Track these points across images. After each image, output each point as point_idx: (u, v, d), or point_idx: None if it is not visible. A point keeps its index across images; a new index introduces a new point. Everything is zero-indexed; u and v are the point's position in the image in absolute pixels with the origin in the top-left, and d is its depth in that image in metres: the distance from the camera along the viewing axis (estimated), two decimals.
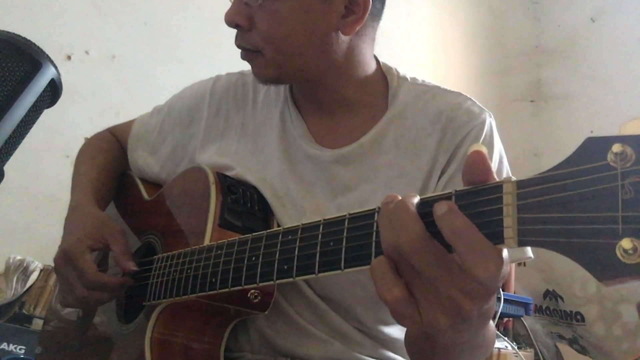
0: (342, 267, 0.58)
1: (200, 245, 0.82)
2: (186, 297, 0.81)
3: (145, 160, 1.15)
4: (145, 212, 1.08)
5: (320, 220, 0.62)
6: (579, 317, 3.41)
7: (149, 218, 1.05)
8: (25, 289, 1.86)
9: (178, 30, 2.44)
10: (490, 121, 0.93)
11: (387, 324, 0.95)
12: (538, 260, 3.45)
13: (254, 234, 0.72)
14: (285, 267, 0.65)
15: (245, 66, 0.98)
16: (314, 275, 0.61)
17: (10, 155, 0.64)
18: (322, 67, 0.92)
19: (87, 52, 2.24)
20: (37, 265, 1.91)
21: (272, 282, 0.67)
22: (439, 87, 0.98)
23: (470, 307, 0.49)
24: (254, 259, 0.70)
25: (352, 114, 0.97)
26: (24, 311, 1.84)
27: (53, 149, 2.10)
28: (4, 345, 1.70)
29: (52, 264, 0.96)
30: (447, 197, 0.50)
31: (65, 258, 0.92)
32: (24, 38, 0.64)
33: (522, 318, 2.79)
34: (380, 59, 1.01)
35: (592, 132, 0.42)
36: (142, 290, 0.91)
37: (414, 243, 0.48)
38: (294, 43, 0.88)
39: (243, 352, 0.94)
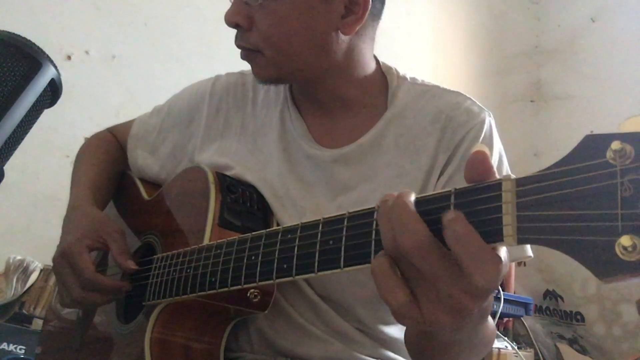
0: (342, 266, 0.58)
1: (200, 245, 0.82)
2: (186, 297, 0.81)
3: (145, 160, 1.15)
4: (144, 212, 1.08)
5: (319, 219, 0.62)
6: (579, 317, 3.41)
7: (149, 218, 1.05)
8: (25, 289, 1.86)
9: (178, 30, 2.44)
10: (489, 120, 0.93)
11: (387, 323, 0.95)
12: (538, 260, 3.45)
13: (253, 233, 0.72)
14: (285, 265, 0.65)
15: (245, 66, 0.98)
16: (313, 274, 0.61)
17: (10, 155, 0.64)
18: (322, 67, 0.92)
19: (87, 52, 2.24)
20: (37, 265, 1.92)
21: (271, 281, 0.67)
22: (438, 87, 0.98)
23: (471, 305, 0.49)
24: (253, 258, 0.70)
25: (352, 113, 0.97)
26: (24, 311, 1.84)
27: (53, 149, 2.11)
28: (4, 345, 1.70)
29: (52, 264, 0.96)
30: (446, 195, 0.50)
31: (63, 258, 0.92)
32: (24, 38, 0.64)
33: (522, 318, 2.80)
34: (380, 59, 1.01)
35: (592, 132, 0.42)
36: (142, 290, 0.91)
37: (416, 244, 0.48)
38: (293, 43, 0.88)
39: (243, 351, 0.94)
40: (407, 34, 3.30)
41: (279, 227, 0.68)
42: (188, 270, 0.81)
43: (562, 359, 3.22)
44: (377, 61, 1.00)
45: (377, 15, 0.93)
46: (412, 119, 0.94)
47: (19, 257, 1.91)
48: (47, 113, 0.69)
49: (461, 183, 0.50)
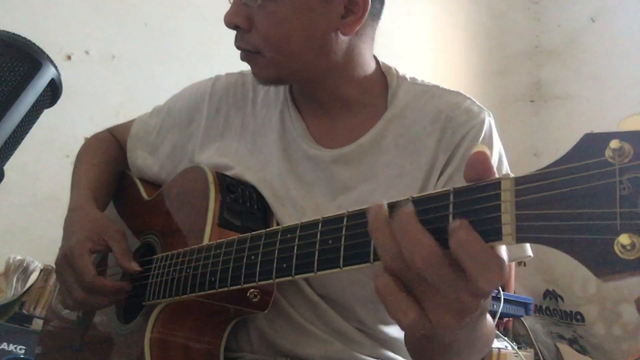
0: (341, 265, 0.58)
1: (200, 245, 0.82)
2: (185, 297, 0.81)
3: (145, 160, 1.15)
4: (144, 212, 1.08)
5: (319, 219, 0.62)
6: (579, 317, 3.41)
7: (148, 218, 1.05)
8: (25, 289, 1.86)
9: (178, 30, 2.44)
10: (489, 120, 0.93)
11: (387, 323, 0.95)
12: (538, 260, 3.45)
13: (253, 232, 0.72)
14: (285, 265, 0.65)
15: (245, 66, 0.98)
16: (313, 274, 0.61)
17: (10, 155, 0.64)
18: (322, 68, 0.92)
19: (87, 52, 2.24)
20: (37, 265, 1.92)
21: (271, 281, 0.67)
22: (438, 87, 0.98)
23: (475, 304, 0.50)
24: (253, 257, 0.70)
25: (352, 113, 0.97)
26: (24, 311, 1.84)
27: (53, 149, 2.11)
28: (4, 345, 1.70)
29: (52, 264, 0.96)
30: (445, 194, 0.50)
31: (65, 260, 0.92)
32: (24, 38, 0.64)
33: (522, 318, 2.79)
34: (380, 59, 1.01)
35: (592, 132, 0.42)
36: (142, 290, 0.91)
37: (427, 258, 0.48)
38: (293, 43, 0.88)
39: (243, 351, 0.94)
40: (407, 34, 3.29)
41: (278, 227, 0.68)
42: (188, 270, 0.81)
43: (562, 359, 3.22)
44: (377, 61, 1.00)
45: (376, 15, 0.93)
46: (412, 119, 0.94)
47: (19, 257, 1.91)
48: (47, 113, 0.69)
49: (461, 183, 0.50)
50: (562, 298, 3.50)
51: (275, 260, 0.66)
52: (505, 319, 2.83)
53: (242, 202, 0.92)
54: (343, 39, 0.90)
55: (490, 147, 0.91)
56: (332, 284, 0.90)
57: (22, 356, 1.71)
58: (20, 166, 2.01)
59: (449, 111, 0.92)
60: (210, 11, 2.35)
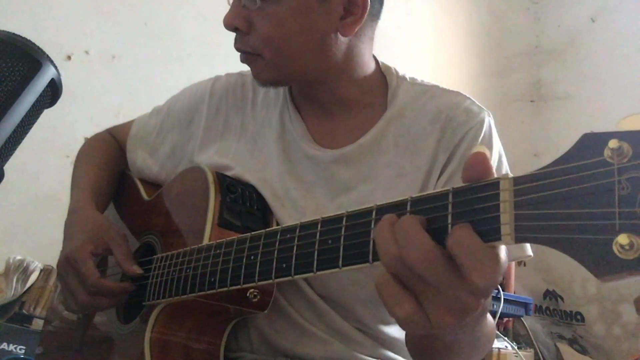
0: (340, 265, 0.58)
1: (199, 245, 0.82)
2: (185, 297, 0.81)
3: (144, 160, 1.15)
4: (144, 212, 1.08)
5: (318, 219, 0.62)
6: (579, 317, 3.41)
7: (148, 218, 1.05)
8: (25, 289, 1.86)
9: (178, 30, 2.44)
10: (489, 120, 0.93)
11: (387, 323, 0.95)
12: (538, 260, 3.45)
13: (252, 232, 0.72)
14: (284, 265, 0.65)
15: (245, 67, 0.98)
16: (312, 274, 0.61)
17: (10, 155, 0.64)
18: (322, 69, 0.92)
19: (87, 52, 2.24)
20: (37, 265, 1.91)
21: (270, 281, 0.67)
22: (437, 87, 0.98)
23: (476, 303, 0.50)
24: (252, 257, 0.70)
25: (352, 114, 0.97)
26: (24, 311, 1.84)
27: (53, 149, 2.11)
28: (4, 345, 1.70)
29: (52, 264, 0.96)
30: (444, 194, 0.50)
31: (67, 263, 0.92)
32: (24, 38, 0.64)
33: (522, 318, 2.79)
34: (380, 59, 1.01)
35: (592, 132, 0.42)
36: (142, 290, 0.91)
37: (422, 256, 0.48)
38: (293, 45, 0.88)
39: (243, 351, 0.94)
40: (407, 34, 3.29)
41: (278, 227, 0.68)
42: (187, 270, 0.81)
43: (562, 359, 3.22)
44: (377, 61, 1.00)
45: (375, 15, 0.93)
46: (411, 118, 0.94)
47: (19, 257, 1.91)
48: (47, 113, 0.69)
49: (461, 182, 0.50)
50: (562, 298, 3.50)
51: (275, 260, 0.66)
52: (505, 319, 2.83)
53: (242, 202, 0.92)
54: (342, 39, 0.90)
55: (490, 146, 0.91)
56: (332, 283, 0.90)
57: (22, 356, 1.71)
58: (20, 166, 2.01)
59: (448, 111, 0.92)
60: (210, 11, 2.35)
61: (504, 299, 2.41)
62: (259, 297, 0.83)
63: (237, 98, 1.07)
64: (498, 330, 2.65)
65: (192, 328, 0.86)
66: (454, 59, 3.61)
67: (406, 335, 0.83)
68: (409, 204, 0.53)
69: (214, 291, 0.76)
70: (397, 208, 0.54)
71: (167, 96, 1.19)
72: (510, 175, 0.47)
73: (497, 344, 2.51)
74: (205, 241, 0.84)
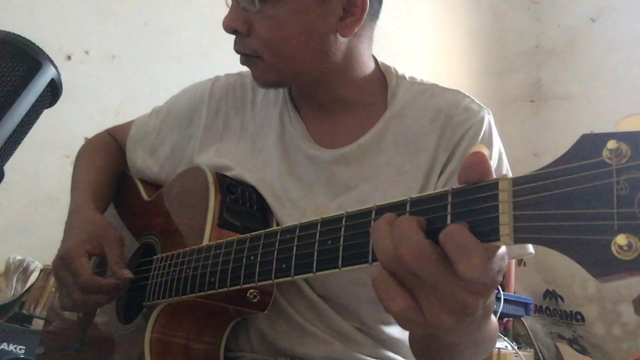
0: (340, 266, 0.58)
1: (199, 245, 0.82)
2: (185, 297, 0.81)
3: (144, 161, 1.15)
4: (144, 212, 1.08)
5: (318, 219, 0.62)
6: (579, 317, 3.41)
7: (149, 218, 1.05)
8: (25, 289, 1.87)
9: (178, 30, 2.44)
10: (488, 118, 0.93)
11: (388, 323, 0.95)
12: (538, 260, 3.45)
13: (252, 233, 0.72)
14: (284, 266, 0.65)
15: (245, 67, 0.98)
16: (312, 274, 0.61)
17: (10, 155, 0.64)
18: (321, 69, 0.92)
19: (87, 52, 2.24)
20: (37, 265, 1.92)
21: (270, 281, 0.67)
22: (437, 86, 0.98)
23: (475, 303, 0.50)
24: (252, 258, 0.70)
25: (351, 113, 0.97)
26: (24, 311, 1.84)
27: (53, 149, 2.11)
28: (4, 345, 1.71)
29: (52, 268, 0.96)
30: (443, 194, 0.50)
31: (62, 262, 0.92)
32: (24, 38, 0.64)
33: (522, 318, 2.80)
34: (380, 59, 1.01)
35: (592, 132, 0.42)
36: (142, 290, 0.91)
37: (414, 251, 0.48)
38: (293, 47, 0.88)
39: (243, 351, 0.94)
40: (407, 34, 3.30)
41: (277, 227, 0.68)
42: (187, 271, 0.81)
43: (562, 359, 3.22)
44: (376, 61, 1.00)
45: (374, 15, 0.93)
46: (411, 118, 0.94)
47: (19, 257, 1.92)
48: (47, 113, 0.69)
49: None
50: (562, 298, 3.50)
51: (275, 260, 0.66)
52: (505, 319, 2.83)
53: (242, 202, 0.92)
54: (342, 40, 0.90)
55: (490, 144, 0.91)
56: (332, 283, 0.90)
57: (22, 356, 1.71)
58: (20, 166, 2.01)
59: (448, 110, 0.92)
60: (211, 11, 2.35)
61: (504, 299, 2.42)
62: (258, 297, 0.83)
63: (236, 98, 1.07)
64: (498, 330, 2.65)
65: (192, 328, 0.86)
66: (454, 59, 3.61)
67: (409, 336, 0.83)
68: (408, 204, 0.53)
69: (213, 291, 0.76)
70: (396, 208, 0.54)
71: (167, 96, 1.19)
72: (509, 175, 0.47)
73: (497, 344, 2.51)
74: (205, 241, 0.84)
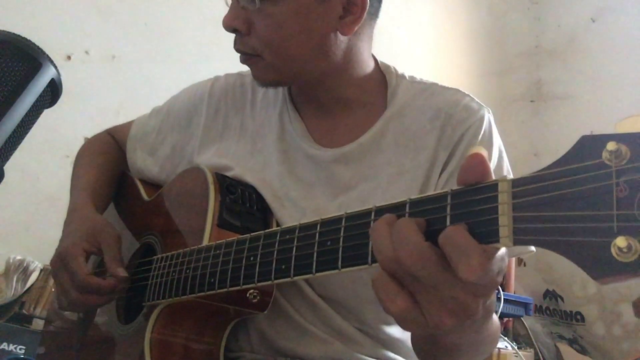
0: (340, 267, 0.58)
1: (199, 246, 0.82)
2: (185, 298, 0.81)
3: (144, 161, 1.15)
4: (144, 212, 1.08)
5: (317, 220, 0.62)
6: (579, 317, 3.41)
7: (148, 218, 1.05)
8: (25, 289, 1.87)
9: (178, 30, 2.44)
10: (488, 117, 0.93)
11: (389, 323, 0.95)
12: (538, 260, 3.45)
13: (252, 233, 0.72)
14: (283, 266, 0.65)
15: (245, 67, 0.98)
16: (311, 275, 0.61)
17: (10, 155, 0.64)
18: (321, 68, 0.92)
19: (87, 52, 2.24)
20: (37, 265, 1.92)
21: (270, 282, 0.67)
22: (437, 85, 0.98)
23: (475, 304, 0.50)
24: (252, 258, 0.70)
25: (351, 113, 0.97)
26: (24, 311, 1.84)
27: (53, 149, 2.11)
28: (4, 345, 1.70)
29: (50, 267, 0.96)
30: (443, 195, 0.50)
31: (59, 261, 0.91)
32: (24, 38, 0.64)
33: (522, 318, 2.80)
34: (380, 59, 1.01)
35: (592, 132, 0.42)
36: (142, 290, 0.91)
37: (414, 254, 0.48)
38: (293, 46, 0.88)
39: (243, 351, 0.94)
40: (407, 34, 3.30)
41: (277, 228, 0.68)
42: (187, 271, 0.81)
43: (562, 359, 3.22)
44: (376, 60, 1.00)
45: (374, 14, 0.93)
46: (411, 117, 0.94)
47: (19, 257, 1.91)
48: (47, 113, 0.69)
49: None
50: (562, 298, 3.50)
51: (274, 261, 0.66)
52: (505, 319, 2.83)
53: (242, 202, 0.92)
54: (342, 39, 0.90)
55: (490, 143, 0.91)
56: (333, 283, 0.90)
57: (22, 356, 1.71)
58: (20, 166, 2.01)
59: (448, 108, 0.92)
60: (211, 11, 2.35)
61: (504, 299, 2.42)
62: (258, 297, 0.83)
63: (236, 98, 1.07)
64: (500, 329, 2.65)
65: (192, 328, 0.86)
66: (454, 59, 3.61)
67: (411, 335, 0.83)
68: (407, 205, 0.53)
69: (213, 292, 0.76)
70: (396, 209, 0.54)
71: (167, 96, 1.19)
72: (509, 177, 0.47)
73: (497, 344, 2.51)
74: (205, 242, 0.84)
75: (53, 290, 1.61)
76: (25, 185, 2.06)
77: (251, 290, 0.82)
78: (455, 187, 0.50)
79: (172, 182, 1.04)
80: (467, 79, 3.59)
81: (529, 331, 2.99)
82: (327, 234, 0.60)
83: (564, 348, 3.29)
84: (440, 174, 0.90)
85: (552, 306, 3.52)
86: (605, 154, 0.40)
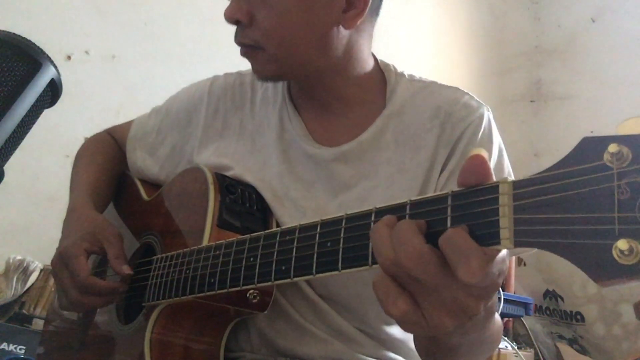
0: (340, 268, 0.57)
1: (199, 246, 0.82)
2: (185, 298, 0.81)
3: (144, 161, 1.15)
4: (144, 212, 1.08)
5: (317, 221, 0.61)
6: (579, 317, 3.41)
7: (148, 218, 1.05)
8: (25, 289, 1.87)
9: (178, 30, 2.44)
10: (488, 115, 0.93)
11: (389, 323, 0.94)
12: (538, 261, 3.45)
13: (252, 234, 0.72)
14: (283, 267, 0.64)
15: (245, 66, 0.98)
16: (311, 276, 0.61)
17: (10, 155, 0.64)
18: (322, 63, 0.91)
19: (87, 52, 2.24)
20: (37, 265, 1.92)
21: (270, 283, 0.67)
22: (436, 83, 0.98)
23: (476, 305, 0.49)
24: (252, 259, 0.70)
25: (351, 111, 0.97)
26: (24, 311, 1.84)
27: (53, 149, 2.11)
28: (4, 345, 1.70)
29: (51, 267, 0.96)
30: (443, 197, 0.50)
31: (60, 260, 0.91)
32: (24, 38, 0.64)
33: (522, 318, 2.80)
34: (380, 58, 1.01)
35: (592, 132, 0.42)
36: (142, 290, 0.91)
37: (414, 256, 0.48)
38: (295, 38, 0.87)
39: (243, 351, 0.94)
40: (407, 34, 3.30)
41: (277, 229, 0.68)
42: (187, 271, 0.81)
43: (562, 359, 3.22)
44: (375, 59, 1.00)
45: (375, 11, 0.93)
46: (411, 115, 0.94)
47: (19, 257, 1.91)
48: (47, 113, 0.69)
49: None
50: (562, 298, 3.50)
51: (274, 262, 0.66)
52: (505, 319, 2.83)
53: (242, 202, 0.92)
54: (344, 33, 0.89)
55: (490, 141, 0.91)
56: (334, 284, 0.90)
57: (22, 356, 1.71)
58: (20, 166, 2.01)
59: (447, 107, 0.92)
60: (210, 11, 2.35)
61: (504, 299, 2.42)
62: (258, 297, 0.83)
63: (235, 97, 1.07)
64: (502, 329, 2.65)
65: (192, 328, 0.86)
66: (454, 59, 3.61)
67: (414, 339, 0.83)
68: (408, 206, 0.53)
69: (213, 292, 0.76)
70: (396, 211, 0.53)
71: (167, 96, 1.19)
72: (510, 179, 0.46)
73: None
74: (205, 242, 0.84)
75: (53, 290, 1.61)
76: (25, 185, 2.06)
77: (251, 291, 0.82)
78: (455, 185, 0.50)
79: (172, 182, 1.04)
80: (467, 78, 3.59)
81: (529, 331, 2.99)
82: (327, 235, 0.59)
83: (564, 348, 3.29)
84: (441, 172, 0.90)
85: (552, 306, 3.53)
86: (606, 156, 0.40)
